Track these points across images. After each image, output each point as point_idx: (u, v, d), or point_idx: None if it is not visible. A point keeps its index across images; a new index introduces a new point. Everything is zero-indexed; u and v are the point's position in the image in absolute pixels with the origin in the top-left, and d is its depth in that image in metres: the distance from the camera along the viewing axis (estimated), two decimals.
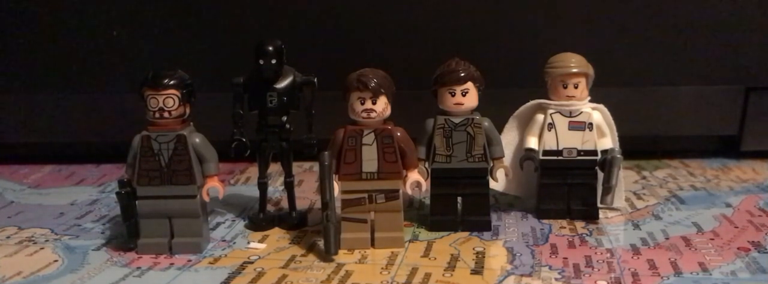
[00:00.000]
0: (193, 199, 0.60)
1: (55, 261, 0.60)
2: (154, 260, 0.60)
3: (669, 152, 0.91)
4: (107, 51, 0.85)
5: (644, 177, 0.82)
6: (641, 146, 0.89)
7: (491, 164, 0.64)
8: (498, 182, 0.66)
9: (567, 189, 0.67)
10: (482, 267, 0.57)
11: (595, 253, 0.59)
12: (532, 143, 0.67)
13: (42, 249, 0.63)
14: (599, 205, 0.67)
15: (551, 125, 0.66)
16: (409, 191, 0.62)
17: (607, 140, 0.67)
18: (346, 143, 0.60)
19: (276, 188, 0.79)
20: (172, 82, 0.58)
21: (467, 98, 0.62)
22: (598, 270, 0.56)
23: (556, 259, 0.58)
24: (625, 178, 0.73)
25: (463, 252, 0.60)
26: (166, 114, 0.58)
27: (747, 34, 0.82)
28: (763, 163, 0.87)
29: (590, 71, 0.65)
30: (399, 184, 0.61)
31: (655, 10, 0.82)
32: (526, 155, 0.67)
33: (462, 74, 0.61)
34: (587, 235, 0.64)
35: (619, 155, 0.65)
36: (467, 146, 0.63)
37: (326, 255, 0.59)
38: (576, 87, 0.65)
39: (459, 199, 0.65)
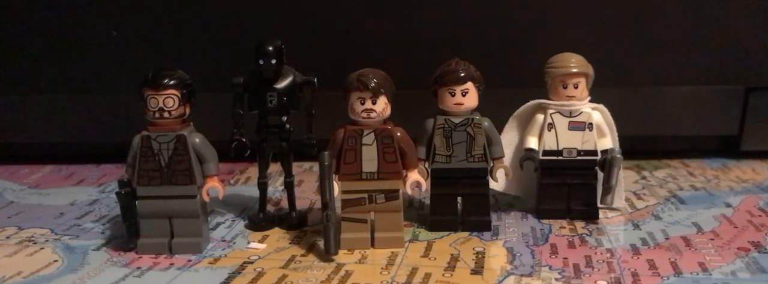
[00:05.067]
0: (193, 199, 0.60)
1: (55, 261, 0.60)
2: (154, 260, 0.60)
3: (669, 152, 0.91)
4: (107, 51, 0.85)
5: (644, 177, 0.82)
6: (641, 146, 0.89)
7: (491, 164, 0.64)
8: (498, 182, 0.66)
9: (567, 189, 0.67)
10: (482, 267, 0.57)
11: (595, 253, 0.59)
12: (532, 143, 0.67)
13: (42, 249, 0.63)
14: (599, 205, 0.67)
15: (551, 125, 0.66)
16: (409, 191, 0.62)
17: (607, 140, 0.67)
18: (346, 143, 0.60)
19: (276, 188, 0.79)
20: (172, 82, 0.58)
21: (467, 98, 0.62)
22: (598, 270, 0.56)
23: (556, 259, 0.58)
24: (625, 178, 0.73)
25: (463, 252, 0.60)
26: (166, 114, 0.58)
27: (747, 34, 0.82)
28: (763, 163, 0.87)
29: (590, 71, 0.65)
30: (399, 184, 0.61)
31: (656, 10, 0.82)
32: (526, 155, 0.67)
33: (462, 74, 0.61)
34: (587, 235, 0.64)
35: (619, 155, 0.65)
36: (467, 146, 0.63)
37: (326, 255, 0.59)
38: (576, 87, 0.65)
39: (459, 199, 0.65)
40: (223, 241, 0.64)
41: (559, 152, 0.66)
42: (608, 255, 0.59)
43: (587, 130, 0.66)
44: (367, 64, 0.61)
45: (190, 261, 0.60)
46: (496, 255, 0.59)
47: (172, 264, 0.59)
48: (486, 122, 0.63)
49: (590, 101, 0.66)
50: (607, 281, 0.54)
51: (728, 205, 0.71)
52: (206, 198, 0.61)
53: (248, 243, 0.64)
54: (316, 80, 0.64)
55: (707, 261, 0.57)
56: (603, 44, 0.82)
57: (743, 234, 0.63)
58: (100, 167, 0.91)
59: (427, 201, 0.67)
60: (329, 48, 0.83)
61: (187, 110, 0.60)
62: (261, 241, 0.64)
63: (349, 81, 0.59)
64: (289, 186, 0.68)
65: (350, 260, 0.59)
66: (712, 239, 0.62)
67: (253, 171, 0.82)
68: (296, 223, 0.67)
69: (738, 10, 0.81)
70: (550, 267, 0.57)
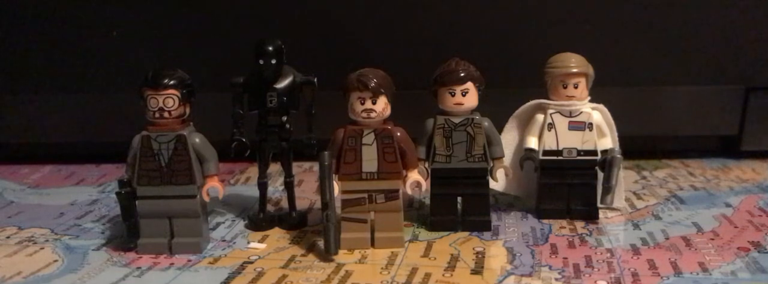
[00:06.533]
0: (193, 199, 0.60)
1: (55, 261, 0.60)
2: (154, 260, 0.60)
3: (669, 152, 0.91)
4: (107, 51, 0.85)
5: (644, 177, 0.82)
6: (641, 146, 0.89)
7: (491, 164, 0.64)
8: (498, 182, 0.66)
9: (567, 189, 0.67)
10: (482, 267, 0.57)
11: (595, 253, 0.59)
12: (532, 143, 0.67)
13: (42, 249, 0.63)
14: (599, 205, 0.67)
15: (551, 125, 0.66)
16: (409, 191, 0.62)
17: (607, 140, 0.67)
18: (346, 143, 0.60)
19: (276, 188, 0.79)
20: (172, 82, 0.58)
21: (467, 98, 0.62)
22: (598, 270, 0.56)
23: (556, 259, 0.58)
24: (625, 178, 0.73)
25: (463, 252, 0.60)
26: (166, 114, 0.58)
27: (747, 34, 0.82)
28: (763, 163, 0.87)
29: (590, 71, 0.65)
30: (399, 184, 0.61)
31: (656, 10, 0.82)
32: (526, 155, 0.67)
33: (462, 74, 0.61)
34: (587, 235, 0.64)
35: (619, 155, 0.65)
36: (467, 146, 0.63)
37: (326, 255, 0.59)
38: (576, 87, 0.65)
39: (459, 199, 0.65)
40: (223, 241, 0.64)
41: (559, 152, 0.66)
42: (608, 255, 0.59)
43: (587, 130, 0.66)
44: (367, 64, 0.61)
45: (190, 261, 0.60)
46: (496, 255, 0.59)
47: (172, 264, 0.59)
48: (486, 122, 0.63)
49: (590, 101, 0.66)
50: (607, 281, 0.54)
51: (728, 205, 0.71)
52: (206, 198, 0.61)
53: (248, 243, 0.64)
54: (316, 80, 0.64)
55: (707, 261, 0.57)
56: (603, 44, 0.82)
57: (743, 234, 0.63)
58: (100, 167, 0.91)
59: (427, 201, 0.67)
60: (329, 48, 0.83)
61: (187, 110, 0.60)
62: (261, 241, 0.64)
63: (349, 81, 0.59)
64: (289, 186, 0.68)
65: (350, 260, 0.59)
66: (712, 239, 0.62)
67: (253, 171, 0.82)
68: (296, 223, 0.67)
69: (738, 10, 0.81)
70: (550, 267, 0.57)
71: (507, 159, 0.67)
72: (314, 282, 0.55)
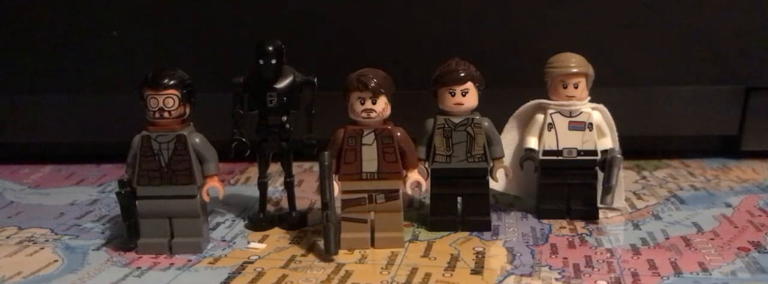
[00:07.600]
0: (193, 199, 0.60)
1: (55, 261, 0.60)
2: (154, 260, 0.60)
3: (669, 152, 0.91)
4: (107, 51, 0.85)
5: (644, 177, 0.82)
6: (641, 146, 0.89)
7: (491, 164, 0.64)
8: (498, 182, 0.66)
9: (567, 189, 0.67)
10: (482, 267, 0.57)
11: (595, 253, 0.59)
12: (532, 143, 0.67)
13: (42, 249, 0.63)
14: (599, 205, 0.67)
15: (551, 125, 0.66)
16: (409, 191, 0.62)
17: (607, 140, 0.67)
18: (346, 143, 0.60)
19: (276, 188, 0.79)
20: (172, 82, 0.58)
21: (467, 98, 0.62)
22: (598, 270, 0.56)
23: (556, 259, 0.58)
24: (625, 178, 0.73)
25: (463, 252, 0.60)
26: (166, 114, 0.58)
27: (747, 34, 0.82)
28: (763, 163, 0.87)
29: (590, 71, 0.65)
30: (399, 184, 0.61)
31: (656, 10, 0.82)
32: (526, 155, 0.67)
33: (462, 74, 0.61)
34: (587, 235, 0.64)
35: (619, 155, 0.65)
36: (467, 146, 0.63)
37: (326, 255, 0.59)
38: (576, 87, 0.65)
39: (459, 199, 0.65)
40: (223, 241, 0.64)
41: (559, 152, 0.66)
42: (608, 255, 0.59)
43: (587, 130, 0.66)
44: (367, 65, 0.61)
45: (190, 261, 0.60)
46: (496, 255, 0.59)
47: (172, 264, 0.59)
48: (486, 122, 0.63)
49: (590, 101, 0.66)
50: (607, 281, 0.54)
51: (728, 205, 0.71)
52: (206, 198, 0.61)
53: (248, 243, 0.64)
54: (316, 80, 0.64)
55: (707, 261, 0.57)
56: (603, 44, 0.82)
57: (743, 234, 0.63)
58: (100, 167, 0.91)
59: (427, 201, 0.67)
60: (329, 48, 0.83)
61: (187, 110, 0.60)
62: (261, 241, 0.64)
63: (349, 81, 0.59)
64: (289, 186, 0.68)
65: (350, 260, 0.59)
66: (712, 239, 0.62)
67: (253, 171, 0.82)
68: (296, 223, 0.67)
69: (738, 10, 0.81)
70: (550, 267, 0.57)
71: (507, 159, 0.67)
72: (314, 282, 0.55)
